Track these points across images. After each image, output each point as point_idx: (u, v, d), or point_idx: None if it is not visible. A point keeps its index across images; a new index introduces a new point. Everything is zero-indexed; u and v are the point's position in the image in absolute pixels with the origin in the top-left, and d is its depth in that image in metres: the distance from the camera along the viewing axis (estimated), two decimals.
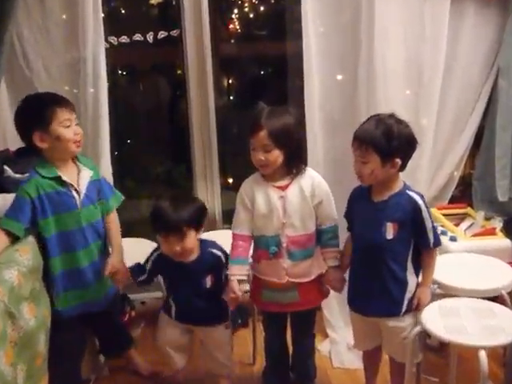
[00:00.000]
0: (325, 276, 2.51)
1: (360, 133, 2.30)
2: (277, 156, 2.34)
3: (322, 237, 2.48)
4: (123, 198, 2.72)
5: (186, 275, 2.44)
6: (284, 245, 2.42)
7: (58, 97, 2.51)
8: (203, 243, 2.47)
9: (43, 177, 2.43)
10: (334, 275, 2.48)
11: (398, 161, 2.26)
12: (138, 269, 2.51)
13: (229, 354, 2.67)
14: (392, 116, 2.30)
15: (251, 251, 2.50)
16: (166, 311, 2.59)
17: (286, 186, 2.42)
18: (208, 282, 2.45)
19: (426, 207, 2.31)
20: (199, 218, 2.40)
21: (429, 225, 2.30)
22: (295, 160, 2.41)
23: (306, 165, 2.48)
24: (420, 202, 2.30)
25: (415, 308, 2.36)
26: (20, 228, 2.36)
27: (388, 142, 2.23)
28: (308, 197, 2.41)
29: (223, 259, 2.47)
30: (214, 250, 2.48)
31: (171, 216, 2.31)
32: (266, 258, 2.45)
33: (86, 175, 2.52)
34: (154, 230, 2.38)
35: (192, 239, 2.36)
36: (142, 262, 2.52)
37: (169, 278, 2.55)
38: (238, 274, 2.43)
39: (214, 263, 2.45)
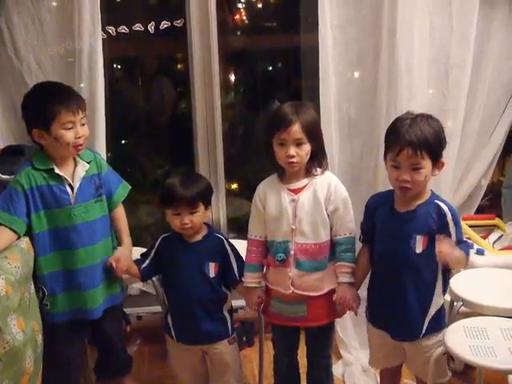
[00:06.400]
0: (336, 294, 2.48)
1: (414, 138, 2.25)
2: (308, 150, 2.41)
3: (336, 248, 2.49)
4: (130, 187, 2.79)
5: (190, 257, 2.56)
6: (292, 252, 2.45)
7: (67, 93, 2.51)
8: (209, 227, 2.66)
9: (36, 168, 2.46)
10: (347, 293, 2.46)
11: (444, 161, 2.31)
12: (141, 257, 2.66)
13: (238, 375, 2.71)
14: (429, 115, 2.33)
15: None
16: (167, 331, 2.66)
17: (300, 190, 2.46)
18: (211, 270, 2.56)
19: (455, 219, 2.31)
20: (208, 195, 2.61)
21: (455, 239, 2.29)
22: (320, 155, 2.48)
23: (327, 163, 2.53)
24: (448, 213, 2.30)
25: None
26: (20, 224, 2.40)
27: (439, 143, 2.29)
28: (322, 202, 2.44)
29: (226, 244, 2.61)
30: (219, 234, 2.67)
31: (184, 189, 2.51)
32: (273, 265, 2.51)
33: (81, 170, 2.54)
34: (164, 205, 2.56)
35: (201, 214, 2.55)
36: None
37: (170, 266, 2.60)
38: (250, 282, 2.56)
39: (219, 247, 2.60)
